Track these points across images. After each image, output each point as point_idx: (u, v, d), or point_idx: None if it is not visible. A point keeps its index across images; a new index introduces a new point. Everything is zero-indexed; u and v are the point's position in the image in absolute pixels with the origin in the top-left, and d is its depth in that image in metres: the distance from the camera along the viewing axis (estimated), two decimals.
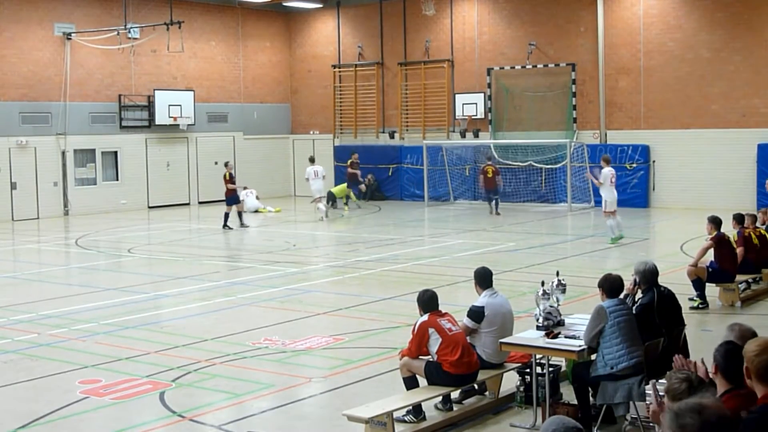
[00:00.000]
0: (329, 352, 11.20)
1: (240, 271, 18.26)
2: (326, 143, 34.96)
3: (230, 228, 24.48)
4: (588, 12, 28.90)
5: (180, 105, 31.38)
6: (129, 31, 28.99)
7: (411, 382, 8.45)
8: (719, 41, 26.84)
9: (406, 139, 32.96)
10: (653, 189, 28.11)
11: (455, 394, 8.74)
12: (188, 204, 32.42)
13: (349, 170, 29.93)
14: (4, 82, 27.86)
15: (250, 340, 11.79)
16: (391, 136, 33.30)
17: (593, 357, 8.19)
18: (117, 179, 30.81)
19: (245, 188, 28.56)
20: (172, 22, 27.35)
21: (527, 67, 30.04)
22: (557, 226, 25.10)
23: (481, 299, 8.82)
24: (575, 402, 8.27)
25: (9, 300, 15.20)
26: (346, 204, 29.55)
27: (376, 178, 32.52)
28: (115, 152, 30.68)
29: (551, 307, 8.74)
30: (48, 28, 28.83)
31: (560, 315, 8.82)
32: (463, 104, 31.31)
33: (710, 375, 5.02)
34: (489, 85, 30.94)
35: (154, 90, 31.04)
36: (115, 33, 28.76)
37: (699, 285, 13.17)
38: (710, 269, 13.26)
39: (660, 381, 4.95)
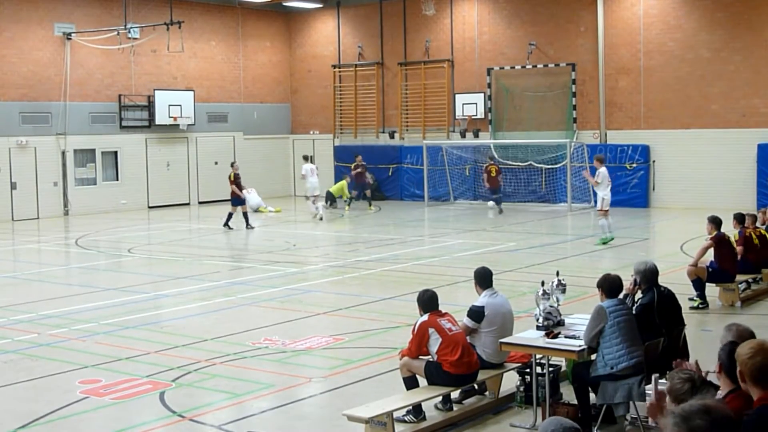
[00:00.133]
0: (329, 352, 11.20)
1: (240, 271, 18.26)
2: (326, 143, 34.96)
3: (231, 228, 24.47)
4: (588, 12, 28.90)
5: (180, 105, 31.39)
6: (129, 31, 28.99)
7: (411, 382, 8.45)
8: (719, 41, 26.84)
9: (406, 139, 32.97)
10: (653, 189, 28.11)
11: (455, 394, 8.74)
12: (188, 204, 32.42)
13: (353, 173, 29.85)
14: (4, 82, 27.86)
15: (250, 340, 11.79)
16: (391, 136, 33.30)
17: (593, 357, 8.19)
18: (117, 179, 30.81)
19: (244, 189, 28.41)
20: (172, 22, 27.35)
21: (527, 67, 30.04)
22: (557, 226, 25.10)
23: (481, 299, 8.82)
24: (575, 402, 8.27)
25: (9, 300, 15.20)
26: (348, 204, 29.53)
27: (376, 178, 32.49)
28: (115, 152, 30.68)
29: (551, 307, 8.74)
30: (48, 28, 28.84)
31: (560, 315, 8.82)
32: (463, 104, 31.32)
33: (711, 375, 5.01)
34: (489, 85, 30.94)
35: (154, 90, 31.05)
36: (115, 33, 28.76)
37: (699, 285, 13.17)
38: (710, 269, 13.26)
39: (661, 381, 4.93)
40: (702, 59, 27.13)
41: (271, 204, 30.34)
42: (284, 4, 34.02)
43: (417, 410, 8.30)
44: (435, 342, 8.26)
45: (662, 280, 9.02)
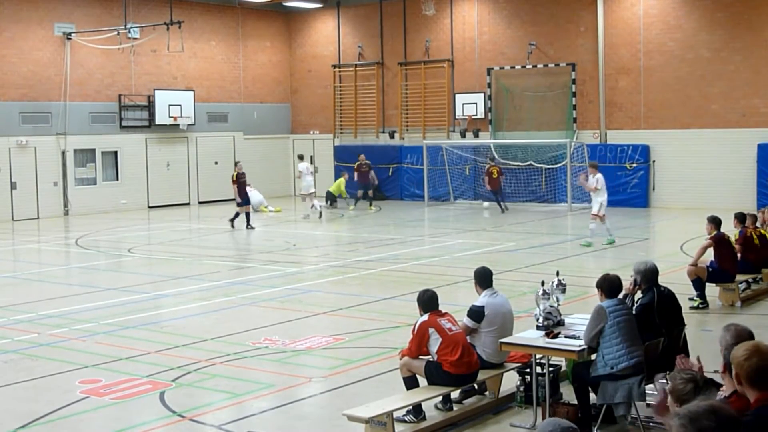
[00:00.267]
0: (329, 352, 11.20)
1: (240, 271, 18.26)
2: (326, 143, 34.96)
3: (233, 227, 24.46)
4: (588, 12, 28.90)
5: (180, 105, 31.39)
6: (129, 31, 28.99)
7: (411, 382, 8.45)
8: (719, 41, 26.84)
9: (406, 139, 32.97)
10: (653, 189, 28.11)
11: (455, 394, 8.74)
12: (188, 204, 32.42)
13: (356, 172, 29.87)
14: (4, 82, 27.86)
15: (250, 340, 11.79)
16: (391, 136, 33.30)
17: (593, 357, 8.19)
18: (117, 179, 30.81)
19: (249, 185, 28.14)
20: (172, 22, 27.36)
21: (527, 67, 30.04)
22: (557, 226, 25.09)
23: (481, 299, 8.82)
24: (575, 402, 8.27)
25: (9, 300, 15.20)
26: (354, 203, 29.52)
27: (376, 177, 32.48)
28: (115, 152, 30.68)
29: (551, 307, 8.74)
30: (48, 28, 28.84)
31: (560, 315, 8.82)
32: (463, 104, 31.32)
33: (711, 374, 4.99)
34: (489, 85, 30.94)
35: (154, 90, 31.05)
36: (115, 33, 28.77)
37: (699, 285, 13.18)
38: (710, 269, 13.26)
39: (661, 381, 4.91)
40: (702, 59, 27.13)
41: (271, 204, 30.34)
42: (284, 4, 34.02)
43: (417, 410, 8.30)
44: (435, 342, 8.26)
45: (662, 280, 9.02)
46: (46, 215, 28.52)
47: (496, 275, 9.50)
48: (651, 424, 8.11)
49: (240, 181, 24.72)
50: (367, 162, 29.90)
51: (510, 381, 9.04)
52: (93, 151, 30.06)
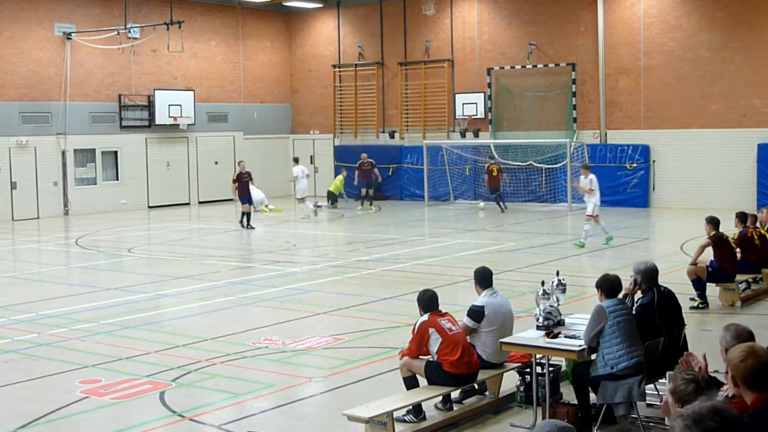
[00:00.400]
0: (329, 352, 11.20)
1: (240, 270, 18.26)
2: (326, 143, 34.97)
3: (253, 227, 24.32)
4: (588, 12, 28.90)
5: (180, 105, 31.40)
6: (129, 31, 29.00)
7: (411, 382, 8.45)
8: (719, 41, 26.84)
9: (406, 139, 32.97)
10: (653, 189, 28.11)
11: (455, 394, 8.74)
12: (188, 204, 32.42)
13: (358, 171, 29.89)
14: (4, 82, 27.86)
15: (250, 340, 11.79)
16: (391, 136, 33.31)
17: (593, 357, 8.19)
18: (117, 179, 30.81)
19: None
20: (172, 22, 27.35)
21: (527, 67, 30.04)
22: (557, 226, 25.08)
23: (481, 299, 8.82)
24: (575, 402, 8.26)
25: (9, 300, 15.20)
26: (361, 204, 29.49)
27: (381, 175, 32.47)
28: (115, 152, 30.69)
29: (551, 306, 8.74)
30: (48, 28, 28.84)
31: (560, 315, 8.82)
32: (463, 104, 31.32)
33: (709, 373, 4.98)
34: (489, 85, 30.94)
35: (154, 90, 31.05)
36: (115, 33, 28.77)
37: (699, 284, 13.18)
38: (710, 269, 13.26)
39: (661, 381, 4.89)
40: (702, 59, 27.13)
41: (271, 203, 30.33)
42: (284, 4, 34.02)
43: (417, 410, 8.30)
44: (435, 342, 8.26)
45: (662, 280, 9.01)
46: (46, 215, 28.52)
47: (496, 275, 9.50)
48: (651, 424, 8.11)
49: (242, 181, 24.71)
50: (370, 160, 29.90)
51: (510, 381, 9.04)
52: (93, 151, 30.06)
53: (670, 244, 20.38)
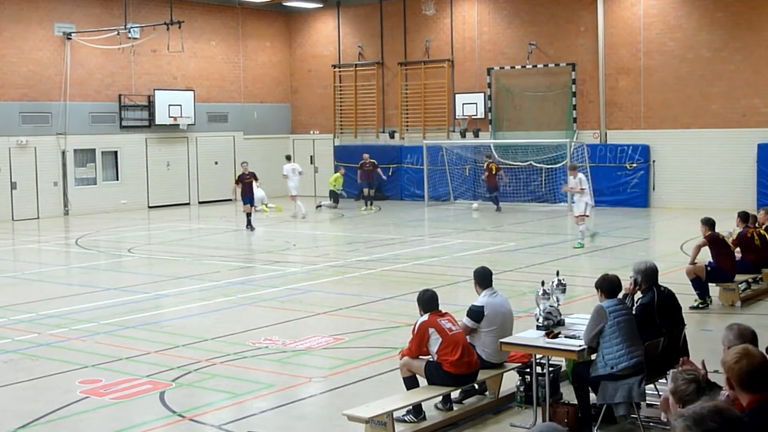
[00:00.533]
0: (329, 352, 11.20)
1: (240, 270, 18.26)
2: (326, 143, 34.97)
3: (253, 228, 24.33)
4: (588, 12, 28.90)
5: (180, 105, 31.39)
6: (129, 31, 29.00)
7: (411, 382, 8.45)
8: (719, 41, 26.84)
9: (406, 139, 32.97)
10: (653, 189, 28.11)
11: (455, 394, 8.74)
12: (188, 204, 32.42)
13: (360, 171, 29.93)
14: (4, 82, 27.86)
15: (250, 340, 11.79)
16: (391, 136, 33.31)
17: (593, 357, 8.19)
18: (117, 179, 30.81)
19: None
20: (172, 22, 27.35)
21: (527, 67, 30.05)
22: (557, 226, 25.08)
23: (481, 299, 8.82)
24: (575, 402, 8.26)
25: (9, 300, 15.20)
26: (365, 204, 29.50)
27: (383, 174, 32.47)
28: (115, 152, 30.69)
29: (551, 306, 8.74)
30: (48, 28, 28.84)
31: (560, 315, 8.82)
32: (463, 104, 31.32)
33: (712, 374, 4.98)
34: (489, 85, 30.94)
35: (154, 90, 31.05)
36: (115, 33, 28.77)
37: (698, 284, 13.19)
38: (708, 268, 13.27)
39: (661, 381, 4.88)
40: (702, 59, 27.13)
41: (271, 203, 30.33)
42: (284, 4, 34.02)
43: (417, 410, 8.30)
44: (435, 342, 8.26)
45: (662, 280, 9.01)
46: (46, 215, 28.52)
47: (496, 275, 9.50)
48: (651, 424, 8.11)
49: (244, 182, 24.69)
50: (372, 161, 29.94)
51: (510, 381, 9.04)
52: (93, 151, 30.06)
53: (670, 244, 20.38)
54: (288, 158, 29.30)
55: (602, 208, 27.55)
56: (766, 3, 26.20)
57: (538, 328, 8.66)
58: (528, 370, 8.70)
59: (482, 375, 8.59)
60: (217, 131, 33.52)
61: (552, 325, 8.64)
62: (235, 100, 34.18)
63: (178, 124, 31.49)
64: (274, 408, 9.11)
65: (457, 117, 31.62)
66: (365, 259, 18.88)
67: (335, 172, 31.50)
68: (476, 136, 31.30)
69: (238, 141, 34.08)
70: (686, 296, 12.71)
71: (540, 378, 8.36)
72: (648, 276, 8.71)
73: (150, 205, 31.32)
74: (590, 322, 8.09)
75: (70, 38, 29.15)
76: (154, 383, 9.85)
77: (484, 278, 8.94)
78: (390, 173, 32.50)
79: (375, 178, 30.00)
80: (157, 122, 31.13)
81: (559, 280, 8.95)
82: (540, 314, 8.69)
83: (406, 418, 8.26)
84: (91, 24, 29.46)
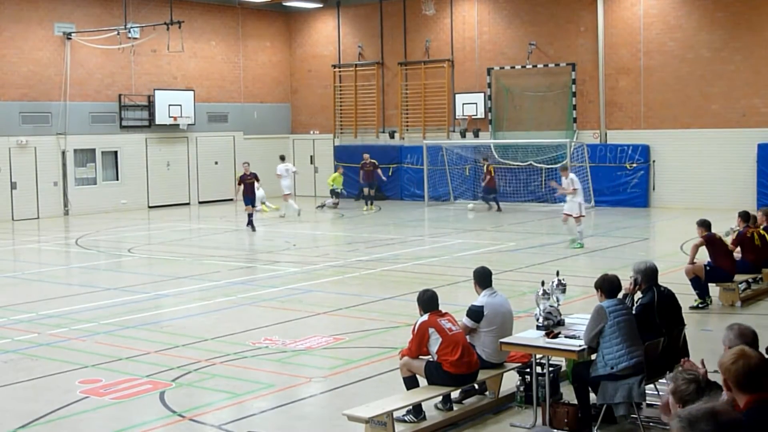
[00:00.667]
0: (329, 352, 11.20)
1: (240, 270, 18.26)
2: (326, 143, 34.97)
3: (254, 229, 24.30)
4: (588, 12, 28.90)
5: (180, 105, 31.40)
6: (129, 31, 29.00)
7: (411, 382, 8.45)
8: (719, 41, 26.84)
9: (406, 139, 32.97)
10: (653, 189, 28.11)
11: (455, 394, 8.74)
12: (188, 204, 32.42)
13: (361, 171, 29.96)
14: (4, 82, 27.86)
15: (250, 340, 11.79)
16: (391, 136, 33.31)
17: (593, 357, 8.19)
18: (117, 179, 30.81)
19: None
20: (172, 22, 27.35)
21: (527, 67, 30.05)
22: (557, 226, 25.00)
23: (481, 299, 8.82)
24: (575, 402, 8.26)
25: (9, 300, 15.20)
26: (367, 204, 29.49)
27: (384, 175, 32.47)
28: (115, 152, 30.69)
29: (551, 307, 8.74)
30: (48, 27, 28.84)
31: (560, 315, 8.82)
32: (463, 104, 31.32)
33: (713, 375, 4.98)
34: (489, 85, 30.94)
35: (154, 90, 31.05)
36: (115, 33, 28.77)
37: (697, 284, 13.20)
38: (707, 267, 13.27)
39: (661, 381, 4.89)
40: (702, 59, 27.13)
41: (270, 203, 30.32)
42: (284, 4, 34.02)
43: (417, 410, 8.30)
44: (435, 342, 8.26)
45: (662, 280, 9.02)
46: (46, 215, 28.52)
47: (496, 275, 9.50)
48: (651, 424, 8.11)
49: (246, 183, 24.68)
50: (373, 161, 29.97)
51: (510, 381, 9.04)
52: (93, 151, 30.06)
53: (670, 244, 20.38)
54: (282, 158, 29.34)
55: (602, 208, 27.58)
56: (766, 3, 26.21)
57: (538, 328, 8.66)
58: (528, 370, 8.70)
59: (482, 375, 8.59)
60: (217, 131, 33.53)
61: (552, 325, 8.64)
62: (235, 100, 34.18)
63: (178, 124, 31.49)
64: (274, 408, 9.11)
65: (457, 117, 31.62)
66: (365, 259, 18.88)
67: (334, 171, 31.58)
68: (476, 136, 31.30)
69: (238, 141, 34.08)
70: (686, 296, 12.71)
71: (540, 378, 8.36)
72: (648, 276, 8.71)
73: (150, 205, 31.32)
74: (590, 322, 8.09)
75: (70, 38, 29.15)
76: (154, 383, 9.85)
77: (483, 278, 8.94)
78: (390, 173, 32.50)
79: (375, 178, 30.02)
80: (157, 122, 31.13)
81: (559, 280, 8.95)
82: (540, 314, 8.70)
83: (406, 418, 8.26)
84: (91, 24, 29.46)
